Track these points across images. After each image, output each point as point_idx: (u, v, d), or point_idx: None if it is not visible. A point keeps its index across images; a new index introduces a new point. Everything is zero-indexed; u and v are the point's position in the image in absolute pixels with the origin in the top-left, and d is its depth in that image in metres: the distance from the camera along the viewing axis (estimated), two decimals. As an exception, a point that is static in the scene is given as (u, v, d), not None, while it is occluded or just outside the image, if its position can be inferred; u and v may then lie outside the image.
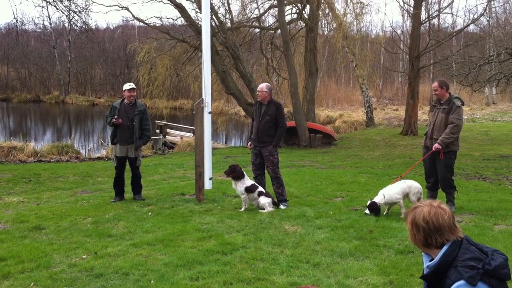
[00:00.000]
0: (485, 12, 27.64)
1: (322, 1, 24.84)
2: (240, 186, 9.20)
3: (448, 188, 8.90)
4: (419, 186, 8.53)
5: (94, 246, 6.89)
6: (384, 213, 8.60)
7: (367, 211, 8.55)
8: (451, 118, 8.63)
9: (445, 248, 2.96)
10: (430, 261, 3.07)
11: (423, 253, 3.21)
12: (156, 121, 28.20)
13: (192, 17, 23.99)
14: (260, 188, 9.28)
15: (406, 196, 8.54)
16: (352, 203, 9.61)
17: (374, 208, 8.48)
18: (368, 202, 8.64)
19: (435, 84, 8.91)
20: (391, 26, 42.80)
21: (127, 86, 10.24)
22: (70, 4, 22.46)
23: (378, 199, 8.52)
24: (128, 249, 6.74)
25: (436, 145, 8.67)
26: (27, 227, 8.05)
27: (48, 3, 21.25)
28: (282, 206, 9.27)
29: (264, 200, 9.08)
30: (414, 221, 3.05)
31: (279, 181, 9.53)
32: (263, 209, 9.01)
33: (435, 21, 35.01)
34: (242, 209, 9.12)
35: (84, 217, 8.73)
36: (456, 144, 8.83)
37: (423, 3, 28.08)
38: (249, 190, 9.18)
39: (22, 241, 7.28)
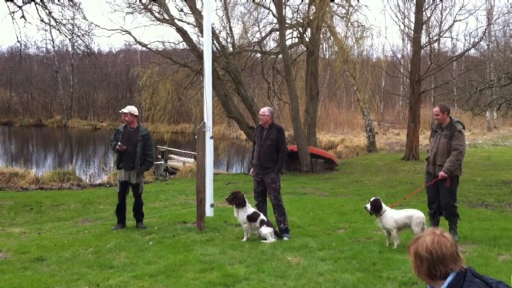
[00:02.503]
0: (484, 36, 27.85)
1: (323, 24, 24.96)
2: (242, 215, 9.15)
3: (452, 215, 8.87)
4: (422, 215, 8.42)
5: (95, 278, 6.85)
6: (386, 244, 8.55)
7: (367, 206, 8.52)
8: (455, 144, 8.63)
9: (449, 279, 2.94)
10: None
11: (428, 286, 3.18)
12: (158, 146, 28.23)
13: (194, 41, 24.14)
14: (262, 217, 9.21)
15: (405, 227, 8.49)
16: (355, 235, 9.54)
17: (377, 206, 8.43)
18: (372, 198, 8.60)
19: (437, 109, 8.93)
20: (392, 50, 43.15)
21: (123, 110, 10.37)
22: (73, 28, 22.65)
23: (383, 205, 8.52)
24: (129, 281, 6.71)
25: (441, 173, 8.65)
26: (29, 258, 8.03)
27: (51, 27, 21.40)
28: (285, 238, 9.21)
29: (266, 231, 9.02)
30: (417, 252, 3.02)
31: (281, 209, 9.48)
32: (266, 239, 8.96)
33: (436, 45, 35.23)
34: (244, 239, 9.07)
35: (86, 248, 8.70)
36: (459, 169, 8.84)
37: (424, 27, 28.26)
38: (251, 218, 9.12)
39: (24, 272, 7.26)
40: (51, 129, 54.00)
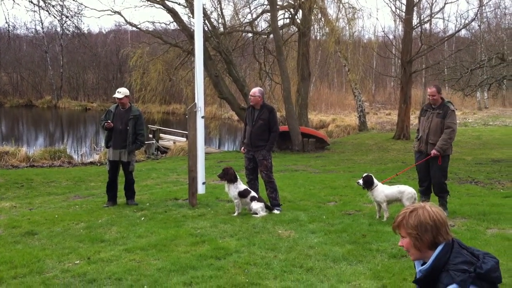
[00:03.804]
0: (476, 17, 27.86)
1: (315, 6, 24.88)
2: (233, 191, 9.19)
3: (442, 192, 8.94)
4: (413, 191, 8.53)
5: (87, 251, 6.87)
6: (376, 217, 8.63)
7: (360, 181, 8.66)
8: (448, 122, 8.67)
9: (437, 251, 2.96)
10: (422, 265, 3.07)
11: (415, 262, 3.18)
12: (149, 125, 28.15)
13: (185, 21, 24.03)
14: (253, 193, 9.26)
15: (396, 201, 8.60)
16: (345, 207, 9.64)
17: (368, 181, 8.57)
18: (364, 174, 8.74)
19: (433, 89, 8.91)
20: (383, 31, 43.02)
21: (115, 94, 10.26)
22: (62, 9, 22.36)
23: (375, 180, 8.64)
24: (121, 254, 6.73)
25: (434, 151, 8.69)
26: (20, 232, 8.03)
27: (40, 8, 21.15)
28: (275, 211, 9.26)
29: (256, 205, 9.07)
30: (420, 222, 2.96)
31: (273, 185, 9.52)
32: (256, 213, 9.01)
33: (427, 26, 35.25)
34: (235, 214, 9.12)
35: (77, 222, 8.70)
36: (450, 148, 8.90)
37: (415, 8, 28.27)
38: (242, 195, 9.17)
39: (15, 246, 7.26)
40: (42, 109, 53.72)
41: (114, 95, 10.29)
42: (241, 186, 9.25)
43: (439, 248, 2.96)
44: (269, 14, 24.82)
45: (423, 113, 9.21)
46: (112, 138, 10.18)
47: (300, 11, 24.98)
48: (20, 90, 59.30)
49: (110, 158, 10.26)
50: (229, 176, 9.21)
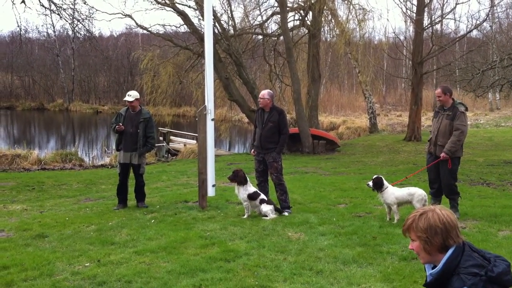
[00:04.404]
0: (487, 18, 27.67)
1: (325, 7, 24.81)
2: (242, 193, 9.18)
3: (452, 194, 8.87)
4: (424, 193, 8.47)
5: (97, 254, 6.89)
6: (387, 219, 8.59)
7: (370, 183, 8.63)
8: (456, 124, 8.59)
9: (448, 254, 2.93)
10: (433, 268, 3.04)
11: (425, 265, 3.15)
12: (160, 128, 28.21)
13: (195, 24, 24.04)
14: (262, 196, 9.25)
15: (407, 203, 8.54)
16: (355, 210, 9.59)
17: (378, 183, 8.54)
18: (374, 176, 8.72)
19: (439, 90, 8.88)
20: (394, 32, 42.84)
21: (126, 97, 10.28)
22: (73, 12, 22.46)
23: (385, 182, 8.61)
24: (131, 257, 6.74)
25: (443, 155, 8.62)
26: (30, 235, 8.07)
27: (51, 12, 21.26)
28: (285, 213, 9.25)
29: (266, 208, 9.06)
30: (430, 225, 2.93)
31: (283, 188, 9.51)
32: (266, 216, 9.00)
33: (438, 27, 35.05)
34: (245, 216, 9.11)
35: (87, 225, 8.74)
36: (460, 149, 8.81)
37: (426, 9, 28.09)
38: (251, 197, 9.15)
39: (25, 249, 7.29)
40: (53, 112, 53.95)
41: (125, 98, 10.31)
42: (251, 188, 9.24)
43: (450, 251, 2.93)
44: (279, 16, 24.83)
45: (435, 115, 9.16)
46: (122, 141, 10.22)
47: (310, 12, 24.93)
48: (32, 94, 59.58)
49: (121, 161, 10.30)
50: (239, 178, 9.21)
